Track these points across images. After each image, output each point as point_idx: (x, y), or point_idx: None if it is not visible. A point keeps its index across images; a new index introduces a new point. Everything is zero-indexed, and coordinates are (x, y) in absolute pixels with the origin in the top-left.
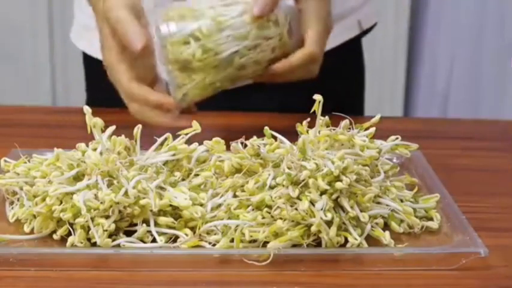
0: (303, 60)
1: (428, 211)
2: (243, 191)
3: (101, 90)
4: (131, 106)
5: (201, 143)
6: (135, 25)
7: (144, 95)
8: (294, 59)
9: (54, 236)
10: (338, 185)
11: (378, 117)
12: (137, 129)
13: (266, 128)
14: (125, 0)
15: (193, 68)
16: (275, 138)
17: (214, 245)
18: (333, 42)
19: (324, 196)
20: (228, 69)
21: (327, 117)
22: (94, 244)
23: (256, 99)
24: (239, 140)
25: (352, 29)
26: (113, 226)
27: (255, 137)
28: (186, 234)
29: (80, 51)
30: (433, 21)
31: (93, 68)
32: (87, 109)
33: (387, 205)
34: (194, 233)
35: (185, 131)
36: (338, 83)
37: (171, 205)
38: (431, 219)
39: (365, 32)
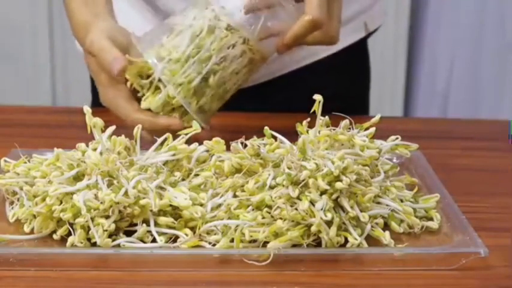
0: (305, 27)
1: (428, 211)
2: (243, 191)
3: None
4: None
5: (201, 143)
6: (115, 51)
7: (153, 122)
8: (295, 28)
9: (54, 236)
10: (338, 185)
11: (377, 117)
12: (137, 129)
13: (266, 128)
14: (105, 31)
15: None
16: (275, 138)
17: (214, 245)
18: (339, 44)
19: (324, 196)
20: (209, 91)
21: (326, 117)
22: (94, 244)
23: (261, 99)
24: (239, 140)
25: (358, 31)
26: (113, 226)
27: (255, 137)
28: (186, 234)
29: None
30: (433, 21)
31: None
32: (87, 109)
33: (387, 205)
34: (194, 233)
35: (185, 131)
36: (344, 84)
37: (171, 205)
38: (431, 219)
39: (370, 33)
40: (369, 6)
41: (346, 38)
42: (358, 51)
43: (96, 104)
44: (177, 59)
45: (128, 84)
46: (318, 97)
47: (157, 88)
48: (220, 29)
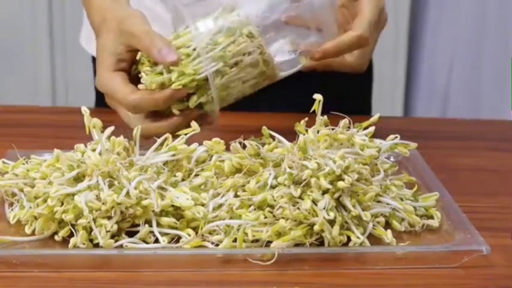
0: (351, 41)
1: (428, 209)
2: (243, 190)
3: None
4: (134, 119)
5: (200, 143)
6: (165, 39)
7: (149, 98)
8: (341, 39)
9: (56, 238)
10: (340, 184)
11: (376, 116)
12: (136, 130)
13: (264, 127)
14: (143, 18)
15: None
16: (273, 138)
17: (217, 245)
18: None
19: (326, 195)
20: (212, 90)
21: (325, 116)
22: (96, 245)
23: (267, 101)
24: (237, 140)
25: None
26: (115, 227)
27: (252, 137)
28: (189, 235)
29: (88, 54)
30: (433, 21)
31: None
32: (85, 110)
33: (388, 204)
34: (196, 233)
35: (185, 131)
36: (347, 86)
37: (172, 205)
38: (431, 217)
39: None
40: None
41: None
42: None
43: (100, 104)
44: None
45: (138, 55)
46: (318, 96)
47: (160, 73)
48: (241, 35)
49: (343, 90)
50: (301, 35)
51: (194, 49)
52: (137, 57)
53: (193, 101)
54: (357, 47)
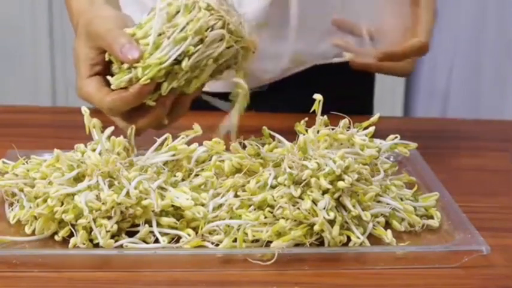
0: (415, 47)
1: (428, 209)
2: (243, 190)
3: None
4: (120, 122)
5: (200, 143)
6: (128, 37)
7: (124, 96)
8: (406, 44)
9: (56, 238)
10: (340, 184)
11: (376, 116)
12: (131, 130)
13: (264, 127)
14: (110, 18)
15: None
16: (273, 138)
17: (217, 245)
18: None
19: (326, 195)
20: (182, 74)
21: (325, 116)
22: (96, 245)
23: (268, 101)
24: (237, 140)
25: None
26: (115, 227)
27: (252, 137)
28: (189, 235)
29: None
30: None
31: None
32: (85, 110)
33: (388, 204)
34: (196, 233)
35: (186, 132)
36: (348, 86)
37: (172, 205)
38: (431, 217)
39: None
40: None
41: None
42: None
43: None
44: (154, 41)
45: (106, 56)
46: (318, 96)
47: (128, 68)
48: (200, 10)
49: (345, 90)
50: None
51: (158, 36)
52: (105, 58)
53: (164, 88)
54: (419, 53)
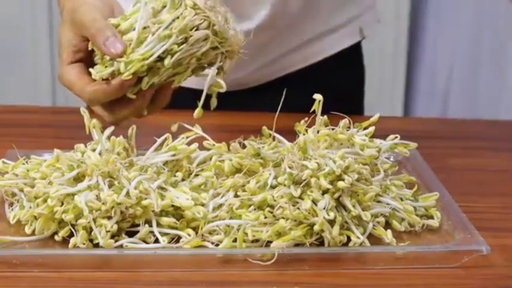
0: None
1: (428, 209)
2: (243, 190)
3: None
4: (100, 111)
5: (200, 144)
6: (112, 28)
7: (106, 87)
8: None
9: (56, 238)
10: (340, 184)
11: (376, 116)
12: (131, 130)
13: (264, 127)
14: (94, 5)
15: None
16: (273, 138)
17: (217, 245)
18: (334, 48)
19: (326, 195)
20: (163, 70)
21: (325, 116)
22: (96, 245)
23: (259, 100)
24: (237, 140)
25: (354, 36)
26: (115, 227)
27: (252, 137)
28: (189, 235)
29: None
30: (433, 21)
31: None
32: (83, 110)
33: (388, 204)
34: (196, 233)
35: (187, 133)
36: (339, 86)
37: (172, 205)
38: (431, 217)
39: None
40: (363, 11)
41: (343, 41)
42: (353, 55)
43: None
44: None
45: (89, 45)
46: (318, 96)
47: (110, 60)
48: (186, 8)
49: (336, 91)
50: None
51: (142, 30)
52: (88, 47)
53: (145, 83)
54: None
